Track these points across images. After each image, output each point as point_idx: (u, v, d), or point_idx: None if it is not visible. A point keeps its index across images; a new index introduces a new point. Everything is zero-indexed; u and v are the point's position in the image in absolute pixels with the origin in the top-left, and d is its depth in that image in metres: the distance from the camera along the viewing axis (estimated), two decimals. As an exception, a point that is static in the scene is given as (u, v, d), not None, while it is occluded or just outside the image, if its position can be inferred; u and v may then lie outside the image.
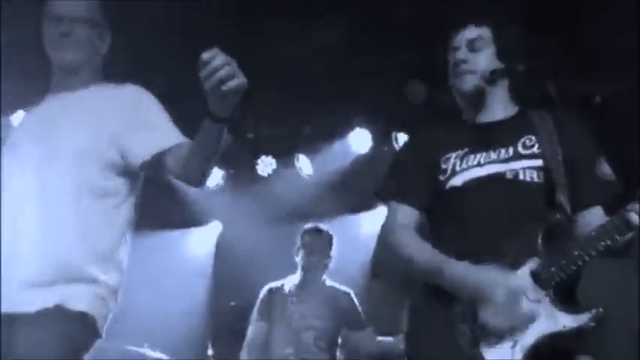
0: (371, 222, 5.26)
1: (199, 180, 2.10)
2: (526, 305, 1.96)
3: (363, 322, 4.16)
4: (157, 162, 2.12)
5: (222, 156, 6.48)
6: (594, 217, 2.10)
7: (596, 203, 2.14)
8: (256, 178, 5.90)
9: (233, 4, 4.28)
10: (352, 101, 5.35)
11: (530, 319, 1.95)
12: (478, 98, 2.24)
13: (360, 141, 5.58)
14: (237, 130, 5.81)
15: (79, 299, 2.03)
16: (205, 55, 1.74)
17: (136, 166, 2.15)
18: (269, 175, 5.89)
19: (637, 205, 1.91)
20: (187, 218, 6.37)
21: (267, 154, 5.90)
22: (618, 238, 1.93)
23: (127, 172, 2.19)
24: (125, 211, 2.20)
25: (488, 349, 1.96)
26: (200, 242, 6.52)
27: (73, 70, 2.27)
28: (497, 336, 1.96)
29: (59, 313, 1.98)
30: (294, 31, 4.54)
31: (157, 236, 6.14)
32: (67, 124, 2.18)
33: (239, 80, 1.78)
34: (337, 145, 5.67)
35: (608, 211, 2.12)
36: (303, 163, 5.88)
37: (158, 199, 6.01)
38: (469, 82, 2.23)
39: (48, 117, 2.22)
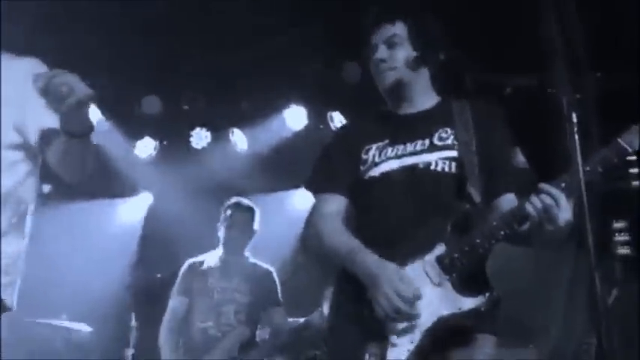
0: (303, 199, 5.30)
1: (73, 183, 2.10)
2: (426, 289, 2.07)
3: (279, 300, 4.20)
4: (44, 140, 2.05)
5: (155, 126, 6.37)
6: (508, 204, 2.19)
7: (510, 191, 2.23)
8: (190, 150, 5.84)
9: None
10: (290, 79, 5.36)
11: (428, 302, 2.05)
12: (400, 90, 2.31)
13: (295, 118, 5.60)
14: (173, 101, 5.73)
15: None
16: (36, 85, 1.73)
17: (30, 141, 2.07)
18: (203, 148, 5.84)
19: (535, 197, 2.00)
20: (117, 188, 6.26)
21: (202, 126, 5.85)
22: (516, 227, 2.04)
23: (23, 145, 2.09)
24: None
25: (391, 331, 2.06)
26: (129, 212, 6.42)
27: None
28: (392, 320, 2.05)
29: None
30: (237, 8, 4.50)
31: (84, 205, 6.02)
32: None
33: (77, 96, 1.76)
34: (273, 121, 5.68)
35: (520, 196, 2.21)
36: (238, 138, 5.86)
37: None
38: (390, 78, 2.29)
39: None
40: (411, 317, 2.04)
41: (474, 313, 2.04)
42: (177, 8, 4.61)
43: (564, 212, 1.96)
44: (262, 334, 4.13)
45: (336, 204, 2.31)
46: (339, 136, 2.48)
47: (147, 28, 4.75)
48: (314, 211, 2.33)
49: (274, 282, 4.22)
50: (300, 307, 4.18)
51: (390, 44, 2.28)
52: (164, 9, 4.61)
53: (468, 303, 2.05)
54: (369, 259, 2.12)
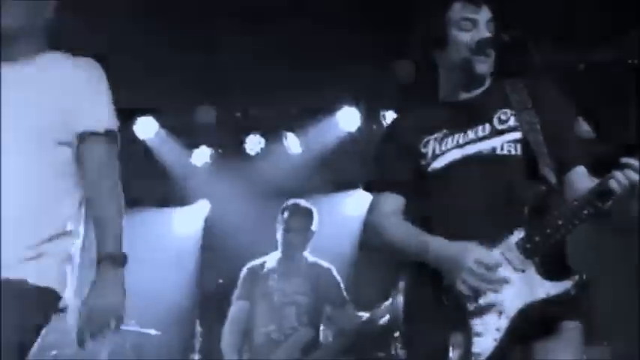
0: (358, 200, 5.29)
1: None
2: (509, 275, 1.99)
3: (344, 298, 4.16)
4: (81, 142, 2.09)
5: (209, 135, 6.46)
6: (579, 176, 2.11)
7: (579, 163, 2.14)
8: (244, 156, 5.90)
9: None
10: (341, 80, 5.37)
11: (512, 289, 1.98)
12: (478, 76, 2.23)
13: (348, 119, 5.60)
14: (225, 109, 5.82)
15: (43, 273, 1.98)
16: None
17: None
18: (257, 153, 5.89)
19: (619, 173, 1.91)
20: (175, 196, 6.38)
21: (255, 132, 5.91)
22: (600, 205, 1.94)
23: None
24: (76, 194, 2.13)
25: (475, 319, 1.99)
26: (188, 220, 6.52)
27: (10, 37, 2.06)
28: (478, 304, 1.99)
29: (20, 286, 1.94)
30: (283, 11, 4.54)
31: (144, 214, 6.14)
32: (15, 99, 2.02)
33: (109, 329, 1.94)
34: (325, 123, 5.69)
35: (591, 169, 2.14)
36: (292, 142, 5.89)
37: (146, 177, 6.03)
38: (485, 64, 2.21)
39: None
40: (497, 285, 1.97)
41: (563, 297, 1.95)
42: (227, 19, 4.68)
43: None
44: (326, 334, 4.13)
45: (394, 203, 2.26)
46: (389, 133, 2.42)
47: (197, 40, 4.84)
48: (372, 210, 2.29)
49: (335, 279, 4.18)
50: (361, 304, 4.17)
51: (490, 29, 2.19)
52: (214, 21, 4.69)
53: (557, 287, 1.95)
54: (443, 244, 2.07)
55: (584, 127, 2.17)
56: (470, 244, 2.04)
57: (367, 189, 2.37)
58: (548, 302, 1.96)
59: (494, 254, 2.02)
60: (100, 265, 2.00)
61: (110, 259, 2.01)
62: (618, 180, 1.90)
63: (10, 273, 1.93)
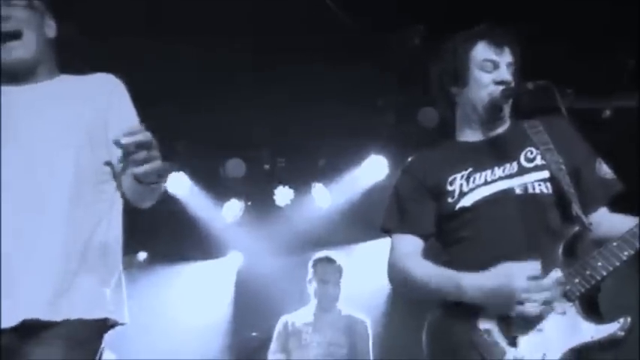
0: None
1: (142, 206, 2.06)
2: (550, 320, 1.96)
3: (368, 353, 4.15)
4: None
5: (239, 187, 6.46)
6: (601, 217, 2.11)
7: (603, 204, 2.15)
8: (274, 208, 5.95)
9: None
10: (367, 129, 5.42)
11: (555, 333, 1.94)
12: (498, 114, 2.24)
13: (376, 167, 5.62)
14: (254, 162, 5.89)
15: (98, 305, 1.92)
16: (123, 140, 1.70)
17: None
18: (287, 205, 5.94)
19: None
20: (208, 250, 6.43)
21: (284, 184, 5.96)
22: (639, 247, 1.94)
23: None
24: (118, 206, 2.07)
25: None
26: (221, 273, 6.57)
27: (27, 69, 2.03)
28: (518, 345, 1.95)
29: (82, 324, 1.87)
30: (307, 70, 4.63)
31: (178, 268, 6.20)
32: (43, 120, 1.97)
33: (151, 166, 1.75)
34: (354, 173, 5.72)
35: (611, 208, 2.16)
36: (321, 192, 5.93)
37: (179, 232, 6.10)
38: (507, 106, 2.24)
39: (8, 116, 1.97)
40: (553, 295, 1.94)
41: (609, 341, 1.91)
42: (251, 73, 4.78)
43: None
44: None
45: (413, 244, 2.23)
46: (409, 173, 2.35)
47: (224, 94, 4.94)
48: (392, 252, 2.25)
49: (367, 334, 4.19)
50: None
51: (511, 71, 2.21)
52: (245, 76, 4.79)
53: (602, 331, 1.92)
54: (477, 278, 2.01)
55: (604, 169, 2.17)
56: (505, 265, 1.99)
57: (384, 230, 2.33)
58: (591, 347, 1.93)
59: (534, 265, 1.98)
60: None
61: None
62: None
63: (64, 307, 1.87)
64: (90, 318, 1.89)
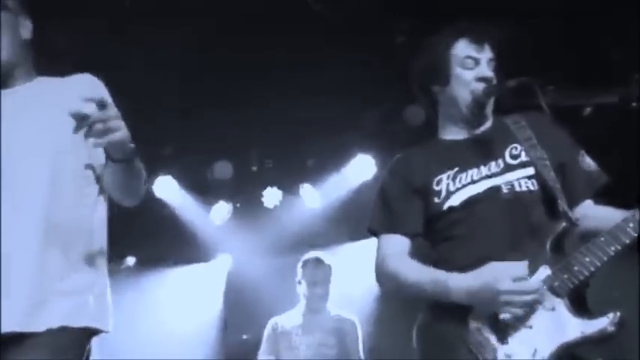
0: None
1: (127, 203, 2.02)
2: (539, 317, 1.96)
3: (358, 352, 4.14)
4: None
5: (227, 190, 6.45)
6: (587, 210, 2.12)
7: (588, 197, 2.16)
8: (263, 210, 5.94)
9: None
10: (353, 129, 5.41)
11: (544, 330, 1.94)
12: (482, 111, 2.24)
13: (363, 167, 5.61)
14: (242, 164, 5.88)
15: (80, 314, 1.89)
16: (83, 110, 1.65)
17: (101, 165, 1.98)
18: (275, 206, 5.92)
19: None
20: (197, 253, 6.41)
21: (272, 185, 5.95)
22: (626, 242, 1.94)
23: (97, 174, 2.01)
24: (101, 210, 2.04)
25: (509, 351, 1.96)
26: (210, 276, 6.55)
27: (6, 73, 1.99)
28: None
29: (64, 332, 1.84)
30: (293, 71, 4.62)
31: (167, 272, 6.17)
32: (21, 125, 1.94)
33: (113, 135, 1.69)
34: (342, 173, 5.71)
35: (596, 200, 2.17)
36: (309, 193, 5.92)
37: (167, 236, 6.07)
38: (491, 103, 2.24)
39: None
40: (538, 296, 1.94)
41: (599, 336, 1.91)
42: (237, 75, 4.77)
43: None
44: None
45: (400, 244, 2.23)
46: (395, 173, 2.34)
47: (208, 98, 4.93)
48: (379, 252, 2.25)
49: (356, 333, 4.18)
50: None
51: (491, 68, 2.22)
52: (228, 75, 4.78)
53: (592, 326, 1.92)
54: (464, 278, 2.02)
55: (588, 161, 2.17)
56: (491, 265, 2.00)
57: (371, 231, 2.32)
58: (582, 342, 1.93)
59: (520, 266, 1.99)
60: None
61: None
62: None
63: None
64: (72, 326, 1.86)
